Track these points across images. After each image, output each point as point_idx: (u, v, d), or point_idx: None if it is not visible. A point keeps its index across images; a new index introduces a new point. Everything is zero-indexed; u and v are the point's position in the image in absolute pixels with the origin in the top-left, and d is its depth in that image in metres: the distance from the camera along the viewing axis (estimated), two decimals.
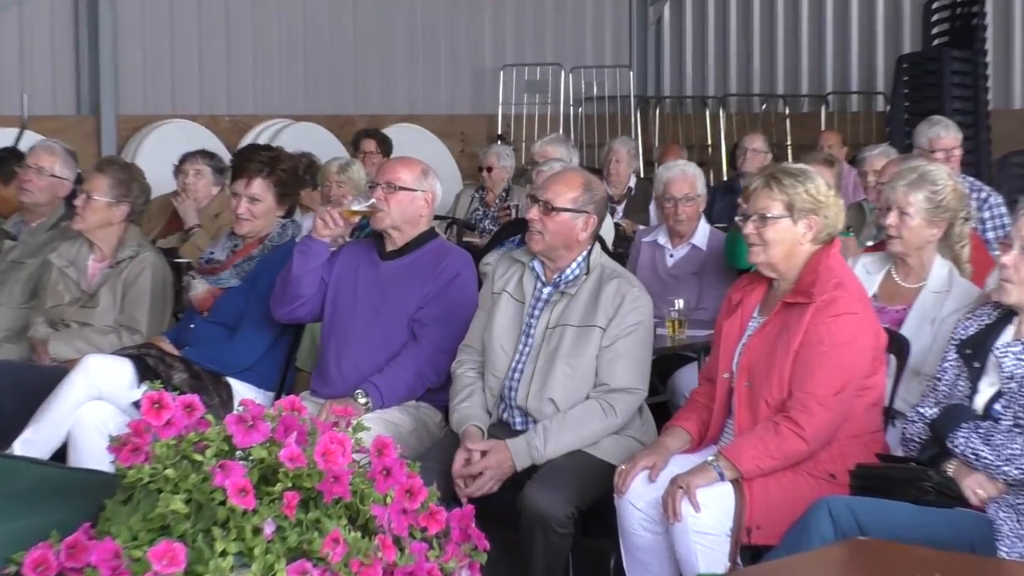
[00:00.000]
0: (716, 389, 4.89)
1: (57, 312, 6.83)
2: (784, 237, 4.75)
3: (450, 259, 5.75)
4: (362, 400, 5.53)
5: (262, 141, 12.24)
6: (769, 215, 4.76)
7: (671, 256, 7.69)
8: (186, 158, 9.24)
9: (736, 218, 5.07)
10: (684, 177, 7.66)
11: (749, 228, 4.79)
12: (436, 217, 6.54)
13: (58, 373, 6.16)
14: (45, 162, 7.69)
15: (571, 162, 8.94)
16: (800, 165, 5.02)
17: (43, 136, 10.32)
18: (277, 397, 6.05)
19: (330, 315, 5.84)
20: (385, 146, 11.64)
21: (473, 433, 5.14)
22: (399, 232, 5.76)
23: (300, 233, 6.32)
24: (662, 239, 7.75)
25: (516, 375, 5.17)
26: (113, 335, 6.64)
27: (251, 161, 6.40)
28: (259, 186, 6.28)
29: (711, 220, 8.11)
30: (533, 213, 5.17)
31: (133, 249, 6.80)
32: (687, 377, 7.04)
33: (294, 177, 6.53)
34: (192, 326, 6.40)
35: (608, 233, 8.58)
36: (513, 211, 9.62)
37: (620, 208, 11.04)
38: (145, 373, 5.99)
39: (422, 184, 5.79)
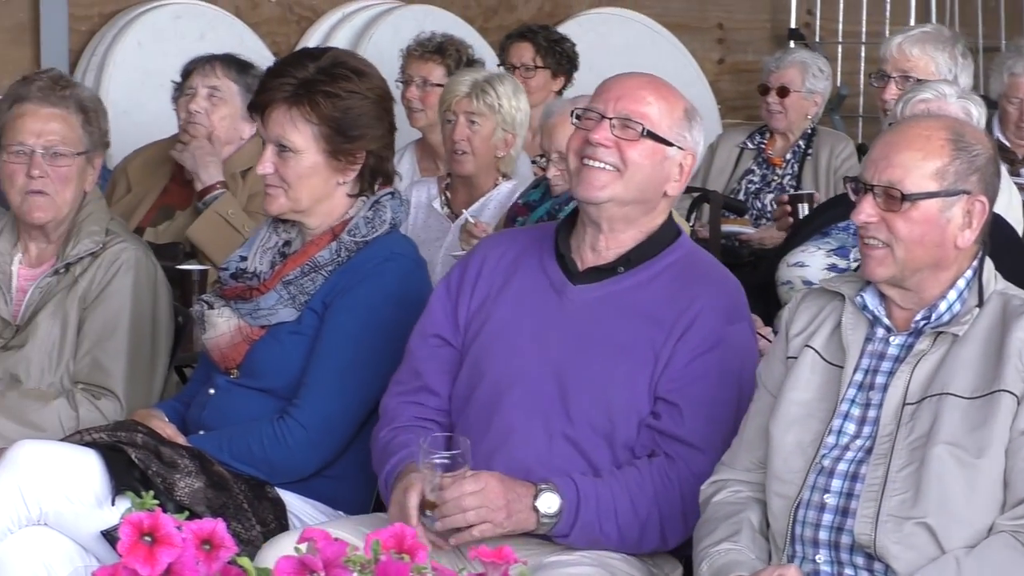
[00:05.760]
0: None
1: None
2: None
3: (712, 292, 3.92)
4: (546, 505, 3.71)
5: (337, 42, 8.21)
6: None
7: None
8: (195, 67, 6.14)
9: None
10: None
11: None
12: None
13: None
14: None
15: (955, 84, 5.26)
16: None
17: None
18: None
19: (472, 379, 3.91)
20: (553, 57, 7.37)
21: None
22: (621, 221, 3.85)
23: (405, 215, 4.29)
24: None
25: (838, 487, 3.60)
26: (62, 402, 4.49)
27: (279, 79, 4.08)
28: (294, 127, 4.05)
29: None
30: (867, 210, 3.54)
31: (95, 240, 4.57)
32: None
33: (379, 108, 4.15)
34: (212, 392, 4.29)
35: (1014, 217, 5.22)
36: (816, 173, 6.60)
37: None
38: (124, 477, 4.03)
39: (682, 133, 3.84)
